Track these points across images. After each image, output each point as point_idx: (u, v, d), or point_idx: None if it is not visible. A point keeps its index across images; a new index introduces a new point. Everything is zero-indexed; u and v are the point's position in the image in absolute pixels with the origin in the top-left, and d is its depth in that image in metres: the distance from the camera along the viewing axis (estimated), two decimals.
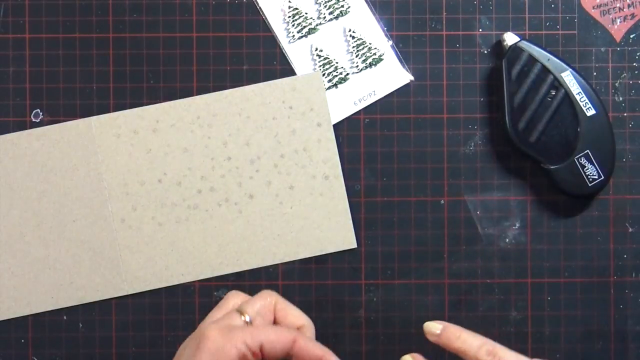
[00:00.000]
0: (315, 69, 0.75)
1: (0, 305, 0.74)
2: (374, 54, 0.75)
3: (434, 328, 0.63)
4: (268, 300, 0.61)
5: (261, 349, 0.57)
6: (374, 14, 0.75)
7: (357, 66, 0.75)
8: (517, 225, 0.75)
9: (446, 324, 0.63)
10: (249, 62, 0.75)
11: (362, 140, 0.75)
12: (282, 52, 0.75)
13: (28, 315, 0.74)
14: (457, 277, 0.75)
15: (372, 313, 0.75)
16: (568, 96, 0.72)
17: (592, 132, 0.72)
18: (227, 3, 0.75)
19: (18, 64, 0.75)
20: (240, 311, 0.60)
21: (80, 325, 0.74)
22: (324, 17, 0.75)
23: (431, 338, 0.63)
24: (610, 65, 0.75)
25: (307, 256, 0.74)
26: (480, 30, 0.75)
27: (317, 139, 0.74)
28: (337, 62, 0.75)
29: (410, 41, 0.75)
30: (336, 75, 0.75)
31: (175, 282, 0.74)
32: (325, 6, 0.75)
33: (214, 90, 0.74)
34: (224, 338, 0.57)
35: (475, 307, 0.75)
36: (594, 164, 0.72)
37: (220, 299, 0.74)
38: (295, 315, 0.62)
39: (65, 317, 0.74)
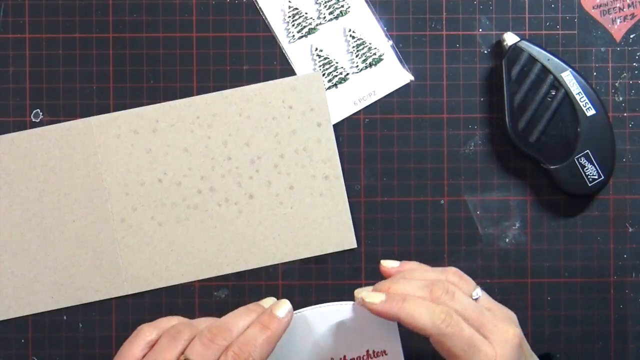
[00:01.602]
0: (315, 69, 0.75)
1: (0, 305, 0.74)
2: (374, 54, 0.75)
3: (372, 298, 0.59)
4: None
5: None
6: (374, 14, 0.75)
7: (357, 66, 0.75)
8: (517, 225, 0.75)
9: (390, 293, 0.59)
10: (249, 62, 0.75)
11: (362, 140, 0.75)
12: (282, 52, 0.75)
13: (28, 315, 0.74)
14: None
15: None
16: (568, 96, 0.72)
17: (592, 132, 0.72)
18: (227, 3, 0.75)
19: (18, 64, 0.75)
20: None
21: (80, 325, 0.74)
22: (324, 17, 0.75)
23: (369, 307, 0.59)
24: (610, 65, 0.75)
25: (307, 256, 0.74)
26: (480, 30, 0.75)
27: (317, 139, 0.74)
28: (337, 62, 0.75)
29: (410, 41, 0.75)
30: (336, 75, 0.75)
31: (175, 282, 0.74)
32: (325, 6, 0.75)
33: (214, 90, 0.74)
34: None
35: None
36: (594, 164, 0.72)
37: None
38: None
39: (65, 317, 0.74)
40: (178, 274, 0.74)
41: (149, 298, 0.74)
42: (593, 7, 0.75)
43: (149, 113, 0.74)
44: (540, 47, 0.73)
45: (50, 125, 0.74)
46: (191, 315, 0.74)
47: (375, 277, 0.75)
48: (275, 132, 0.74)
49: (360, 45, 0.75)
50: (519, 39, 0.73)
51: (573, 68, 0.73)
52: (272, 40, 0.75)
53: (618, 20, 0.75)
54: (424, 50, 0.75)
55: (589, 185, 0.73)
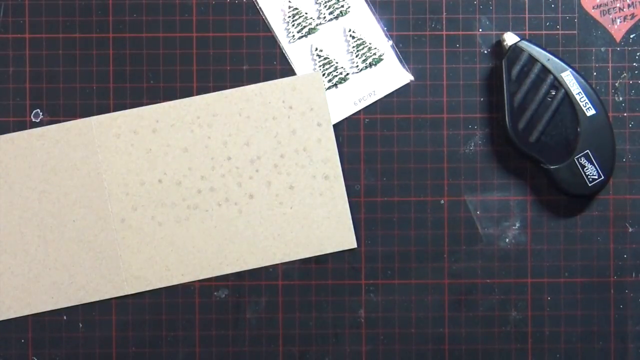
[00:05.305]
0: (315, 69, 0.75)
1: (0, 305, 0.74)
2: (374, 54, 0.75)
3: None
4: None
5: None
6: (374, 14, 0.75)
7: (357, 66, 0.75)
8: (517, 225, 0.75)
9: None
10: (249, 62, 0.75)
11: (362, 140, 0.75)
12: (282, 52, 0.75)
13: (28, 315, 0.74)
14: (457, 277, 0.75)
15: (372, 313, 0.75)
16: (568, 96, 0.72)
17: (592, 132, 0.72)
18: (227, 3, 0.75)
19: (18, 64, 0.75)
20: None
21: (80, 325, 0.74)
22: (324, 17, 0.75)
23: None
24: (610, 65, 0.75)
25: (307, 256, 0.74)
26: (480, 30, 0.75)
27: (317, 139, 0.74)
28: (337, 62, 0.75)
29: (410, 41, 0.75)
30: (336, 75, 0.75)
31: (175, 282, 0.74)
32: (325, 6, 0.75)
33: (214, 90, 0.74)
34: None
35: (475, 307, 0.75)
36: (594, 164, 0.72)
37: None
38: None
39: (65, 317, 0.74)
40: (178, 274, 0.74)
41: (149, 298, 0.74)
42: (593, 7, 0.75)
43: (149, 113, 0.74)
44: (540, 47, 0.73)
45: (50, 125, 0.74)
46: (191, 315, 0.74)
47: (375, 276, 0.75)
48: (275, 132, 0.74)
49: (360, 45, 0.75)
50: (519, 39, 0.73)
51: (573, 68, 0.73)
52: (272, 40, 0.75)
53: (618, 20, 0.75)
54: (424, 50, 0.75)
55: (589, 185, 0.73)
